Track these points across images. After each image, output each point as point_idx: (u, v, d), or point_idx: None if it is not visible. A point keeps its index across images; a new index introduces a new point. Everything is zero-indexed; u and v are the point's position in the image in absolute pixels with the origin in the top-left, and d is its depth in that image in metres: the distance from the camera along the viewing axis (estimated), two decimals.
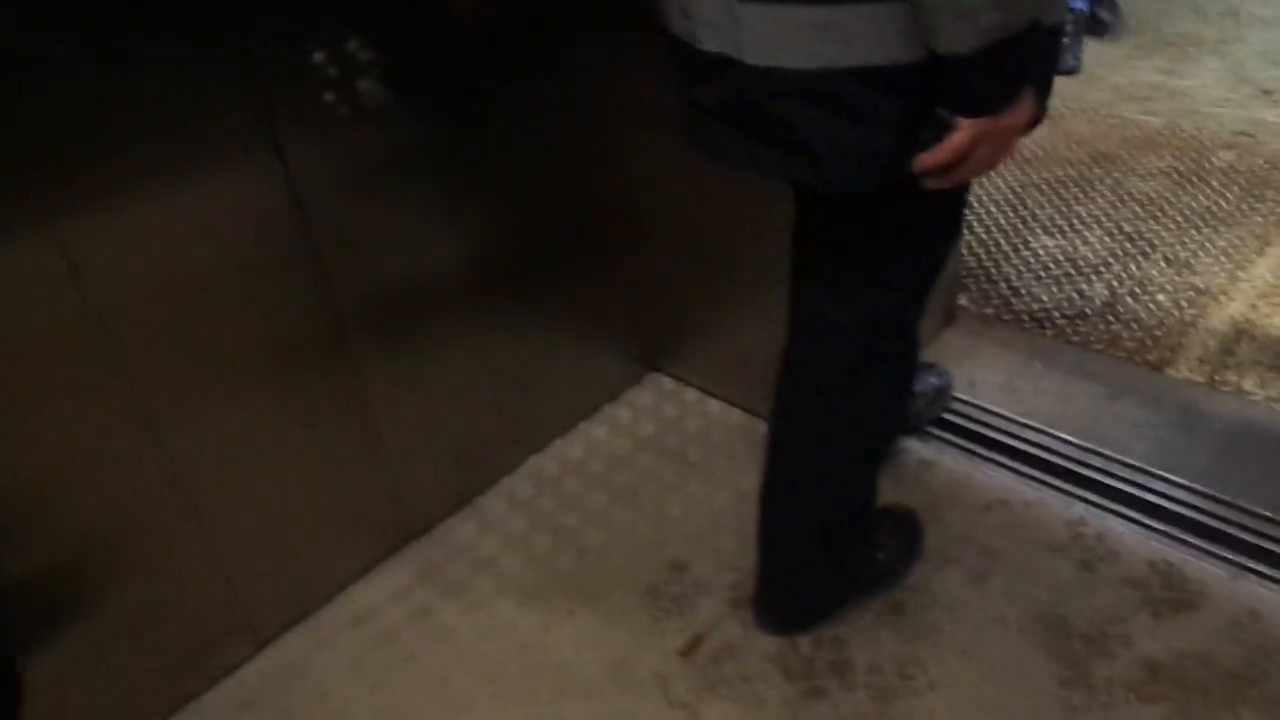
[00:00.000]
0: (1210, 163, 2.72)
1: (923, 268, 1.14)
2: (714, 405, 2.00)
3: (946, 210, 1.08)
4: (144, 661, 1.41)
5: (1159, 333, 2.06)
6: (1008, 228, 2.49)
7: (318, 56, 1.29)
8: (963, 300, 2.19)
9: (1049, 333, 2.09)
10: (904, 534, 1.55)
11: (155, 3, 1.13)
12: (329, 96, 1.32)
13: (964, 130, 0.88)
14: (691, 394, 2.04)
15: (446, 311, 1.64)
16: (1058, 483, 1.71)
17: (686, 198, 1.80)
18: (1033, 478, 1.73)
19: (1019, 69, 0.87)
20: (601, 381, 2.02)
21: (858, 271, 1.11)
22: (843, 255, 1.11)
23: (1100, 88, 3.03)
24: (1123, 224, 2.47)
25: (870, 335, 1.15)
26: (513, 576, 1.64)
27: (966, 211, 1.16)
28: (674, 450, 1.89)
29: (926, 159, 0.91)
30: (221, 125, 1.24)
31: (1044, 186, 2.66)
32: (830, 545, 1.37)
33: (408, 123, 1.44)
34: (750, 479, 1.77)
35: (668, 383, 2.08)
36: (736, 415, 1.96)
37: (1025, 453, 1.77)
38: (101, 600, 1.32)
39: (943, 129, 0.88)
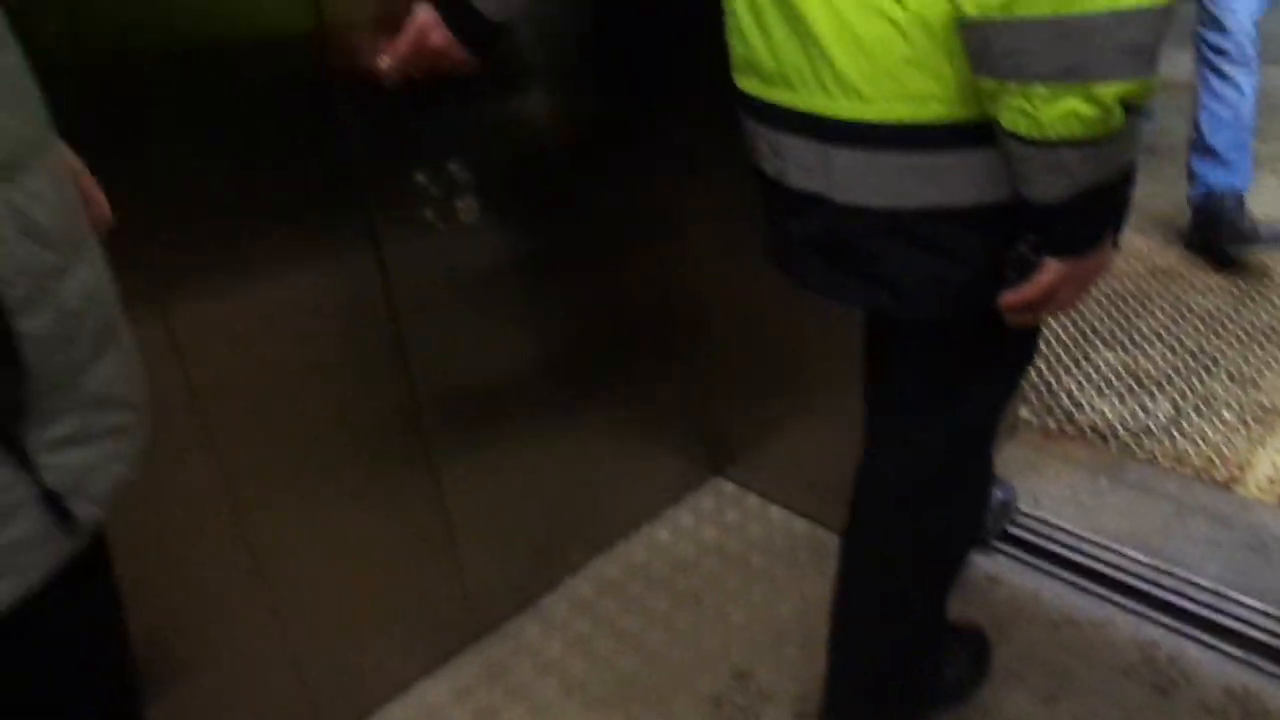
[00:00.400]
0: (1271, 279, 2.73)
1: (998, 389, 1.17)
2: (775, 512, 2.01)
3: (1022, 336, 1.12)
4: None
5: (1226, 450, 2.05)
6: (1068, 340, 2.51)
7: (420, 177, 1.38)
8: (1024, 413, 2.20)
9: (1113, 448, 2.09)
10: (972, 651, 1.54)
11: (282, 119, 1.24)
12: (428, 213, 1.41)
13: (1051, 271, 0.92)
14: (753, 500, 2.06)
15: (519, 411, 1.69)
16: (1128, 602, 1.69)
17: (755, 306, 1.86)
18: (1101, 596, 1.71)
19: (1107, 213, 0.92)
20: (664, 484, 2.05)
21: (934, 390, 1.14)
22: (920, 375, 1.15)
23: (1156, 203, 3.07)
24: (1184, 339, 2.47)
25: (946, 452, 1.18)
26: (577, 680, 1.65)
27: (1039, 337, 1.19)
28: (736, 556, 1.90)
29: (1012, 297, 0.95)
30: (327, 228, 1.33)
31: (1103, 300, 2.69)
32: (901, 661, 1.37)
33: (495, 233, 1.52)
34: (813, 588, 1.78)
35: (729, 488, 2.10)
36: (799, 523, 1.97)
37: (1093, 570, 1.75)
38: (174, 680, 1.35)
39: (1029, 268, 0.93)
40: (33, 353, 0.53)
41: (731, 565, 1.88)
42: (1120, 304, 2.66)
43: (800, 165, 0.98)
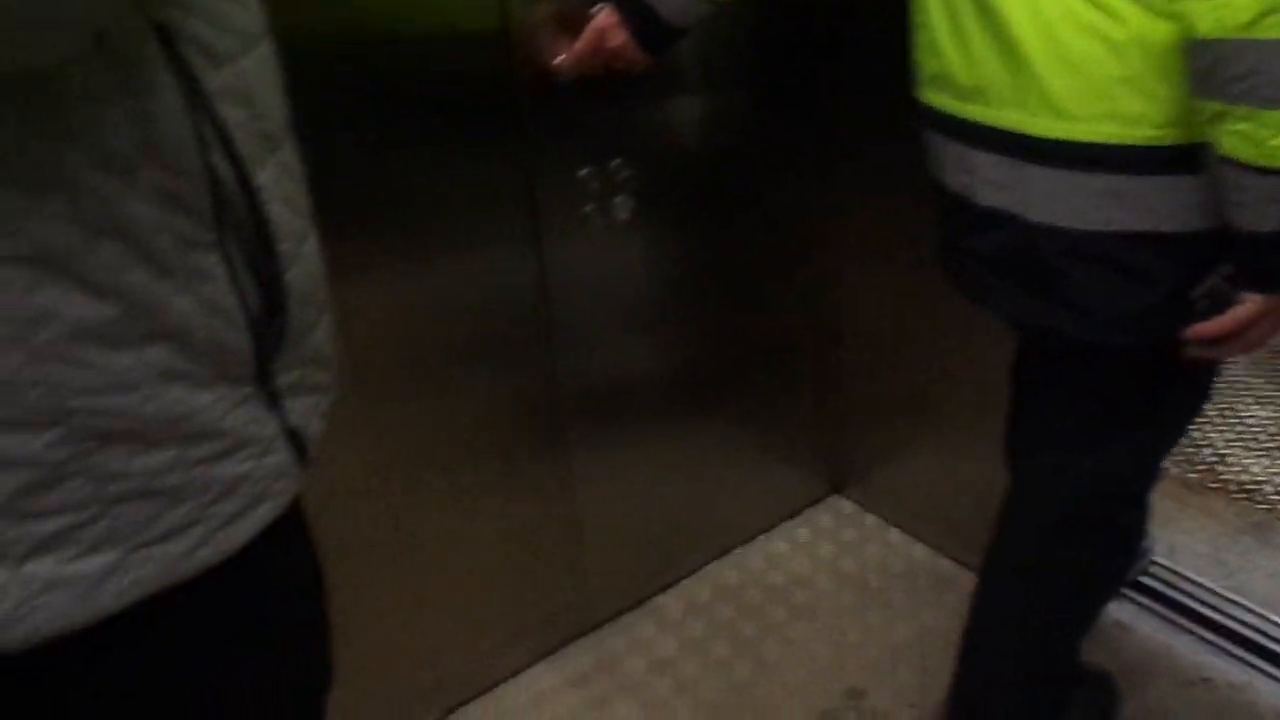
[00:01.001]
0: None
1: (1164, 432, 1.14)
2: (895, 535, 1.99)
3: (1197, 377, 1.09)
4: (342, 706, 1.49)
5: None
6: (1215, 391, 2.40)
7: (584, 174, 1.43)
8: (1165, 462, 2.11)
9: (1260, 506, 1.99)
10: (1101, 699, 1.49)
11: (463, 113, 1.30)
12: (588, 208, 1.45)
13: (1250, 305, 0.89)
14: (872, 520, 2.04)
15: (652, 411, 1.72)
16: (1269, 667, 1.61)
17: (893, 327, 1.85)
18: (1240, 658, 1.63)
19: None
20: (784, 497, 2.05)
21: (1097, 426, 1.12)
22: (1081, 408, 1.12)
23: None
24: None
25: (1100, 494, 1.15)
26: (689, 680, 1.66)
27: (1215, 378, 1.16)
28: (853, 576, 1.89)
29: (1204, 329, 0.92)
30: (494, 219, 1.39)
31: (1257, 354, 2.56)
32: (1028, 701, 1.33)
33: (646, 234, 1.56)
34: (932, 616, 1.76)
35: (848, 506, 2.09)
36: (919, 549, 1.94)
37: (1233, 631, 1.68)
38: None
39: (1223, 301, 0.90)
40: (292, 305, 0.58)
41: (848, 584, 1.86)
42: (1273, 359, 2.54)
43: (990, 182, 0.98)
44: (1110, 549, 1.24)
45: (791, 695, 1.62)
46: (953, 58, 0.99)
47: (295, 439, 0.61)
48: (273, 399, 0.59)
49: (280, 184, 0.59)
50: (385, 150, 1.25)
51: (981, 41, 0.94)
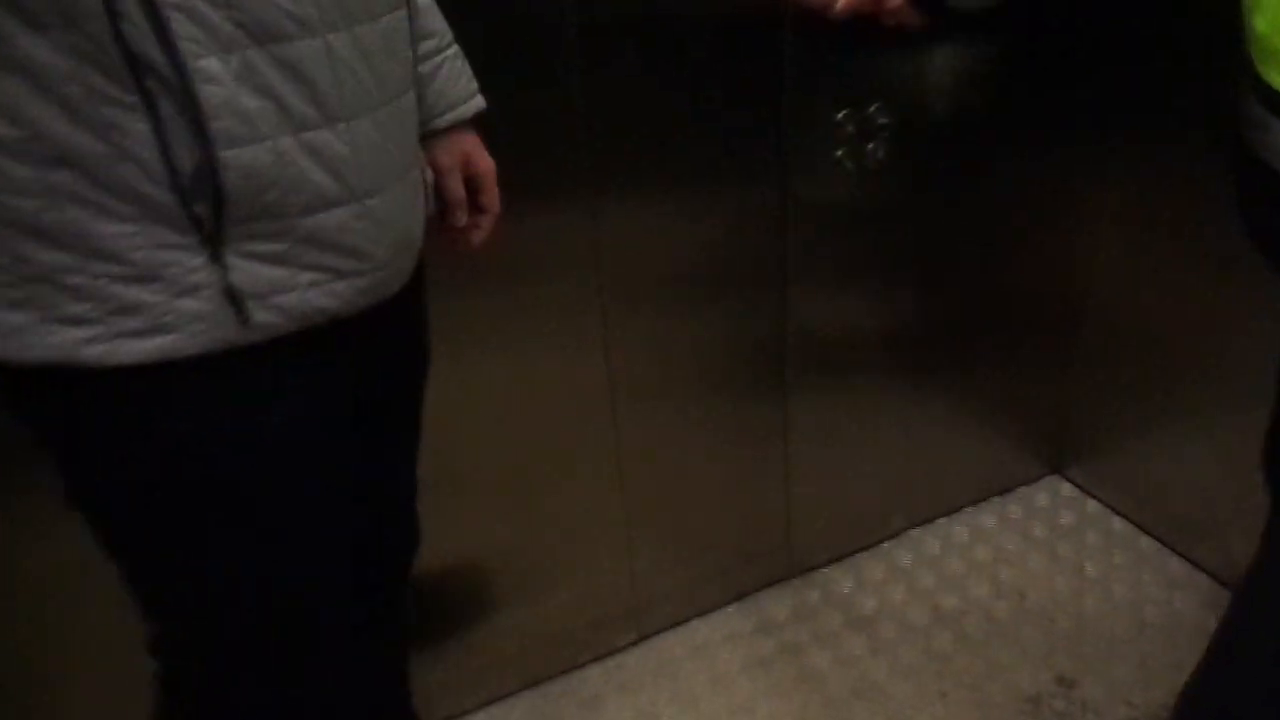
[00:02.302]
0: None
1: None
2: (1118, 524, 1.87)
3: None
4: (539, 623, 1.56)
5: None
6: None
7: (841, 116, 1.39)
8: None
9: None
10: None
11: (732, 47, 1.29)
12: (839, 152, 1.41)
13: None
14: (1093, 506, 1.93)
15: (874, 365, 1.68)
16: None
17: (1142, 306, 1.72)
18: None
19: None
20: (997, 471, 1.96)
21: None
22: None
23: None
24: None
25: None
26: (887, 642, 1.64)
27: None
28: (1068, 560, 1.79)
29: None
30: (747, 154, 1.38)
31: None
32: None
33: (896, 183, 1.51)
34: (1155, 613, 1.65)
35: (1067, 488, 1.98)
36: (1145, 541, 1.82)
37: None
38: (516, 542, 1.48)
39: None
40: (233, 179, 0.66)
41: (1061, 568, 1.77)
42: None
43: None
44: None
45: (994, 673, 1.57)
46: None
47: (232, 296, 0.70)
48: (215, 255, 0.68)
49: (252, 75, 0.66)
50: (655, 80, 1.26)
51: None
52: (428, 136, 0.95)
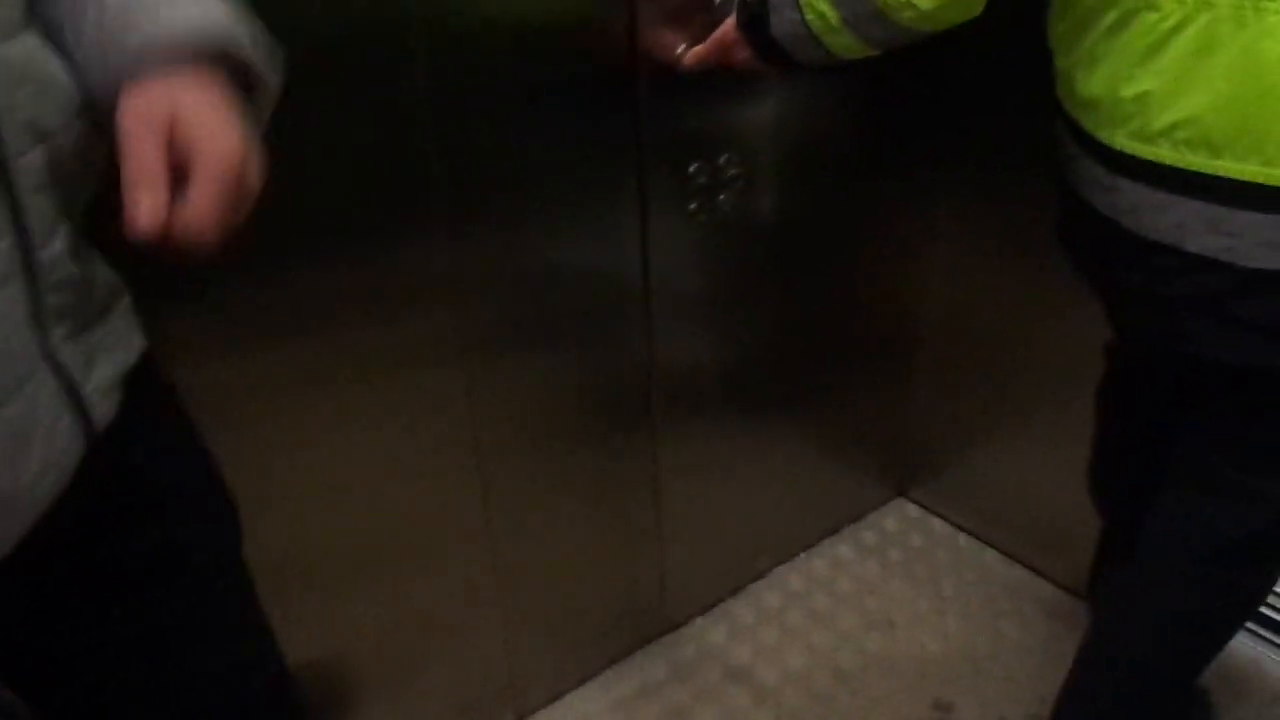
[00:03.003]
0: None
1: None
2: (964, 540, 1.96)
3: None
4: (411, 713, 1.44)
5: None
6: None
7: (693, 168, 1.37)
8: None
9: None
10: (1200, 716, 1.47)
11: (587, 100, 1.25)
12: (693, 204, 1.40)
13: None
14: (939, 525, 2.01)
15: (735, 407, 1.67)
16: None
17: (967, 328, 1.81)
18: None
19: None
20: (849, 500, 2.01)
21: None
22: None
23: None
24: None
25: None
26: (769, 690, 1.62)
27: None
28: (926, 582, 1.85)
29: None
30: (602, 205, 1.33)
31: None
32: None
33: (746, 229, 1.51)
34: (1010, 625, 1.73)
35: (913, 510, 2.06)
36: (990, 555, 1.91)
37: None
38: (385, 609, 1.36)
39: None
40: None
41: (921, 591, 1.83)
42: None
43: (1265, 243, 0.90)
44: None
45: (876, 707, 1.59)
46: (1204, 110, 0.88)
47: None
48: None
49: None
50: (510, 131, 1.20)
51: (1256, 90, 0.85)
52: (111, 86, 0.60)
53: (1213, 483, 1.13)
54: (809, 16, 1.06)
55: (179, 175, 0.57)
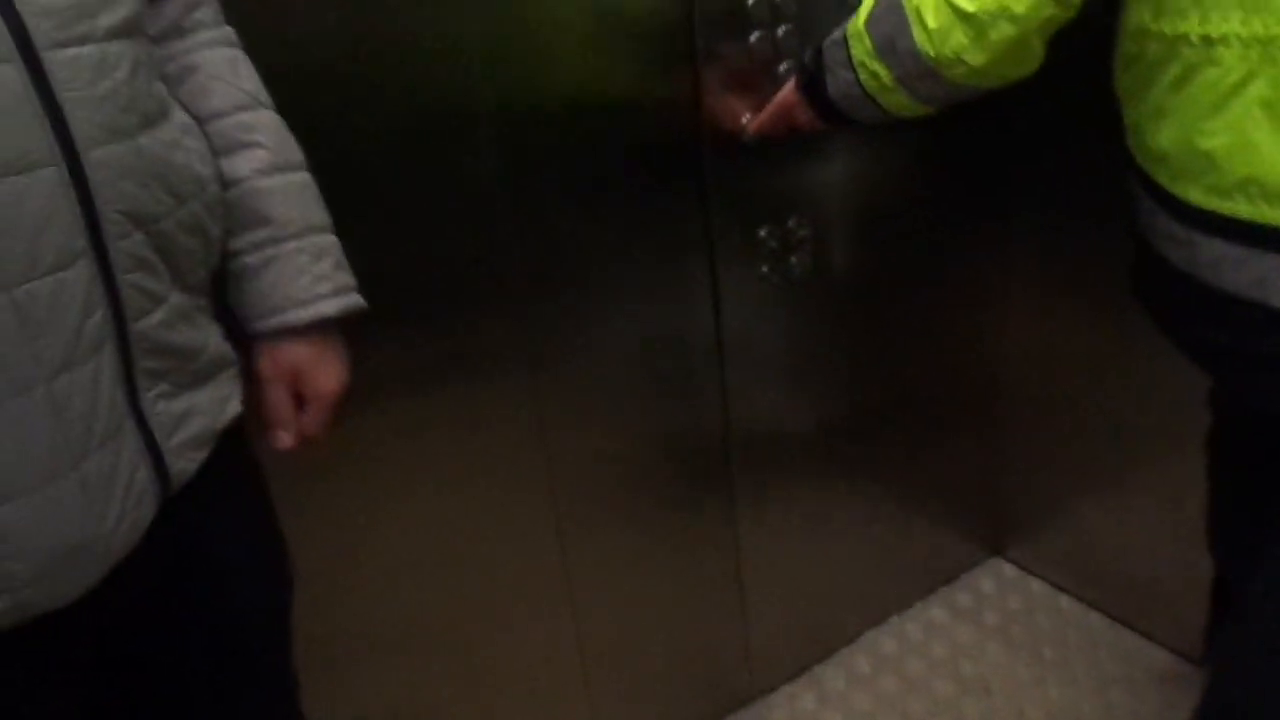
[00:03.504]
0: None
1: None
2: (1065, 602, 1.88)
3: None
4: None
5: None
6: None
7: (763, 232, 1.39)
8: None
9: None
10: None
11: (656, 169, 1.29)
12: (764, 266, 1.42)
13: None
14: (1038, 585, 1.93)
15: (816, 468, 1.66)
16: None
17: (1057, 386, 1.77)
18: None
19: None
20: (941, 560, 1.95)
21: None
22: None
23: None
24: None
25: None
26: None
27: None
28: (1025, 646, 1.78)
29: None
30: (676, 271, 1.37)
31: None
32: None
33: (820, 290, 1.52)
34: (1119, 693, 1.65)
35: (1009, 570, 1.98)
36: (1095, 618, 1.83)
37: None
38: (467, 672, 1.37)
39: None
40: None
41: (1020, 655, 1.76)
42: None
43: None
44: None
45: None
46: (1277, 162, 0.86)
47: None
48: None
49: None
50: (581, 204, 1.25)
51: None
52: (254, 337, 0.84)
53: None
54: (863, 77, 1.07)
55: (300, 401, 0.86)
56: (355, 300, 0.88)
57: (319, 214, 0.86)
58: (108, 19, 0.65)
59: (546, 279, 1.25)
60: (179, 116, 0.74)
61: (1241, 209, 0.90)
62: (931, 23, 0.99)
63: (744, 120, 1.29)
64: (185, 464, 0.74)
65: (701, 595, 1.58)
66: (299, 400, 0.87)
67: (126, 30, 0.67)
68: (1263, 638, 1.16)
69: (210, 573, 0.82)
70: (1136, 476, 1.70)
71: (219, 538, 0.83)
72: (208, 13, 0.84)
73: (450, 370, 1.22)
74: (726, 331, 1.43)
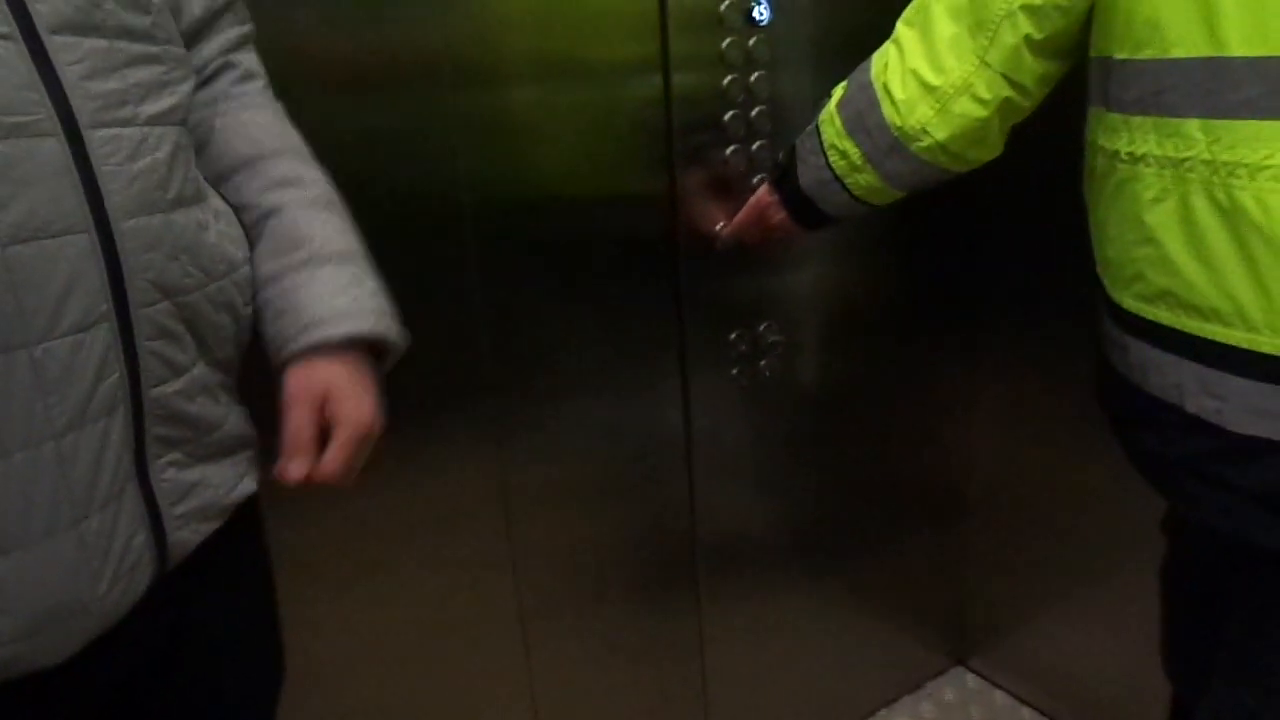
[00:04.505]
0: None
1: None
2: (1028, 715, 1.87)
3: None
4: None
5: None
6: None
7: (734, 335, 1.42)
8: None
9: None
10: None
11: (631, 270, 1.33)
12: (735, 369, 1.44)
13: None
14: (1001, 697, 1.92)
15: (781, 572, 1.66)
16: None
17: (1023, 495, 1.79)
18: None
19: None
20: (905, 668, 1.94)
21: None
22: None
23: None
24: None
25: None
26: None
27: None
28: None
29: None
30: (647, 370, 1.39)
31: None
32: None
33: (788, 394, 1.55)
34: None
35: (972, 680, 1.97)
36: None
37: None
38: None
39: None
40: None
41: None
42: None
43: (1252, 410, 0.89)
44: None
45: None
46: (1191, 276, 0.91)
47: None
48: None
49: None
50: (556, 298, 1.28)
51: (1234, 262, 0.87)
52: (285, 365, 0.78)
53: (1255, 672, 1.08)
54: (832, 159, 1.12)
55: (325, 433, 0.76)
56: (398, 331, 0.82)
57: (363, 249, 0.84)
58: (152, 107, 0.68)
59: (518, 371, 1.27)
60: (215, 203, 0.76)
61: (1163, 316, 0.95)
62: (899, 94, 1.05)
63: (718, 227, 1.33)
64: (188, 535, 0.73)
65: (665, 695, 1.56)
66: (323, 434, 0.77)
67: (169, 118, 0.70)
68: None
69: (203, 656, 0.81)
70: (1100, 590, 1.71)
71: (217, 622, 0.81)
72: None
73: (417, 458, 1.22)
74: (695, 431, 1.45)
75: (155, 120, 0.68)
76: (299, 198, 0.81)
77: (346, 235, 0.83)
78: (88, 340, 0.63)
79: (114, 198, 0.64)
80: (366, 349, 0.81)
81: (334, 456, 0.76)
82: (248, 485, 0.80)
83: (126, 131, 0.65)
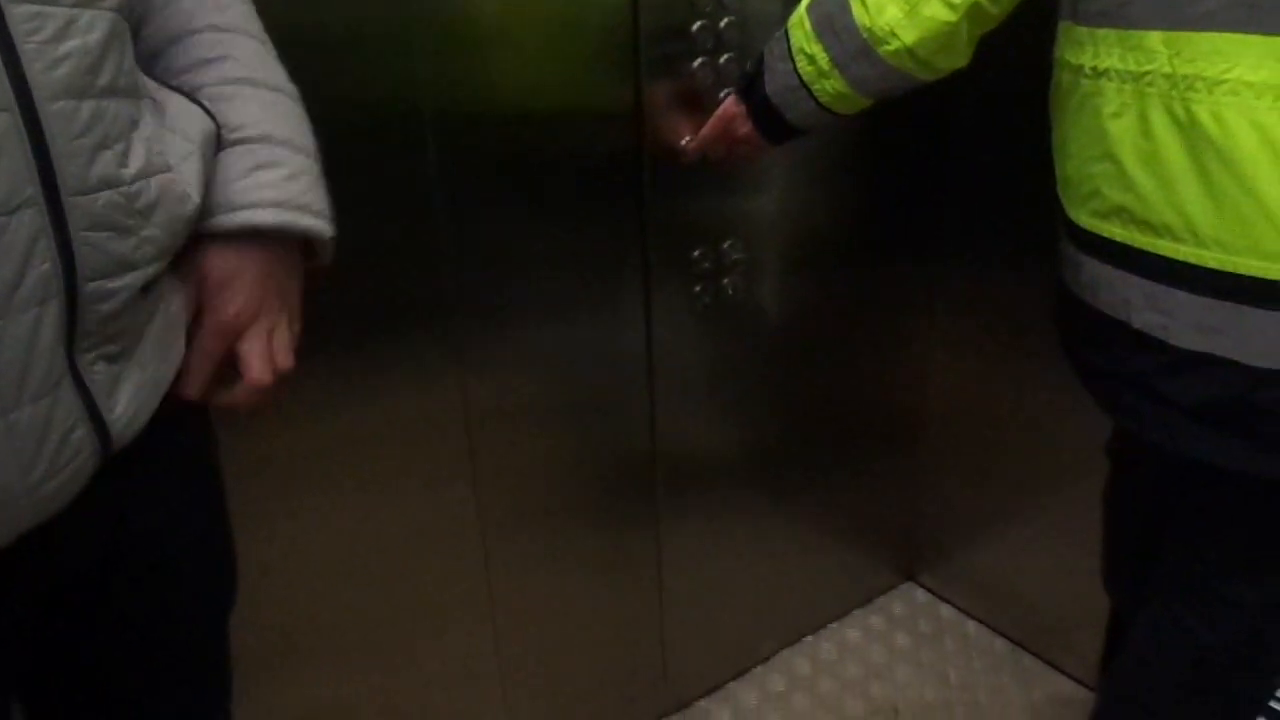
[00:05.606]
0: None
1: None
2: (973, 627, 1.94)
3: None
4: None
5: None
6: None
7: (697, 253, 1.42)
8: None
9: None
10: None
11: (595, 186, 1.31)
12: (697, 287, 1.44)
13: None
14: (948, 611, 1.98)
15: (739, 488, 1.69)
16: None
17: (974, 417, 1.83)
18: None
19: None
20: (857, 583, 2.00)
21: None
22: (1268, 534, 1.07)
23: None
24: None
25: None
26: None
27: None
28: (933, 669, 1.83)
29: None
30: (611, 288, 1.38)
31: None
32: None
33: (750, 313, 1.55)
34: (1019, 717, 1.70)
35: (921, 595, 2.04)
36: (999, 643, 1.89)
37: None
38: (387, 700, 1.37)
39: None
40: None
41: (928, 678, 1.81)
42: None
43: (1196, 325, 0.91)
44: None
45: None
46: (1147, 192, 0.91)
47: None
48: None
49: None
50: (518, 213, 1.26)
51: (1188, 179, 0.87)
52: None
53: (1191, 590, 1.12)
54: (800, 64, 1.11)
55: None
56: (309, 223, 0.76)
57: (286, 128, 0.78)
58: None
59: (480, 286, 1.25)
60: (160, 94, 0.72)
61: (1116, 232, 0.96)
62: None
63: (684, 141, 1.32)
64: (124, 426, 0.70)
65: (622, 609, 1.60)
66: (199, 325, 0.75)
67: (102, 2, 0.65)
68: (1139, 687, 1.22)
69: (151, 558, 0.79)
70: (1046, 510, 1.76)
71: (165, 523, 0.79)
72: None
73: (379, 374, 1.21)
74: (657, 349, 1.45)
75: (86, 2, 0.63)
76: (223, 73, 0.76)
77: (271, 114, 0.77)
78: (12, 224, 0.59)
79: (38, 77, 0.60)
80: (282, 240, 0.77)
81: (201, 359, 0.75)
82: (176, 357, 0.75)
83: (52, 10, 0.61)
